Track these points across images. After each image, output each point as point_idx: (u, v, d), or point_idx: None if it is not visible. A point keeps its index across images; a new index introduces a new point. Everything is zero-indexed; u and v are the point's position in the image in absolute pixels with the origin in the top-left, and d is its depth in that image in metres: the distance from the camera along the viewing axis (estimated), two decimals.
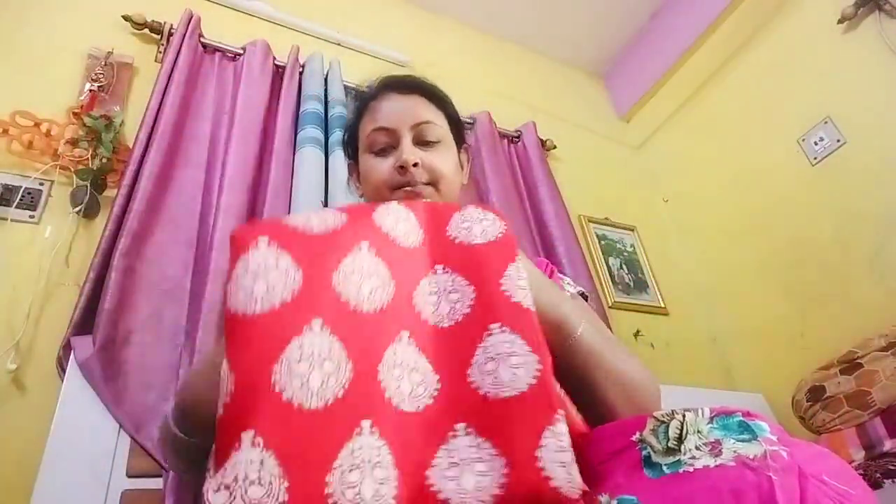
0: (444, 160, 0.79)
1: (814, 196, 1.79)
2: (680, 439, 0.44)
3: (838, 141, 1.75)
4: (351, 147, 0.88)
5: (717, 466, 0.41)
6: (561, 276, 0.83)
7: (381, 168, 0.77)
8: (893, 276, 1.56)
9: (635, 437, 0.47)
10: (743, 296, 1.96)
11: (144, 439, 0.96)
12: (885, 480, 1.29)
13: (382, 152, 0.79)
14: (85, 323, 1.03)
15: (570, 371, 0.56)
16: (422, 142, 0.79)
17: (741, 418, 0.44)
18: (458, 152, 0.85)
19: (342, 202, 1.31)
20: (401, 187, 0.75)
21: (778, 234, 1.87)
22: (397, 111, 0.80)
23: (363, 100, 0.86)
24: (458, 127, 0.87)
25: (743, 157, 2.03)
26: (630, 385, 0.58)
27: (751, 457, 0.40)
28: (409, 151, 0.76)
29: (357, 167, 0.86)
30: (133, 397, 0.99)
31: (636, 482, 0.44)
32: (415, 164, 0.75)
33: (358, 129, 0.85)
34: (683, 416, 0.46)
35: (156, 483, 0.96)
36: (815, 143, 1.80)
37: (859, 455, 1.34)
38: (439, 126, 0.82)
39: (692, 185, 2.22)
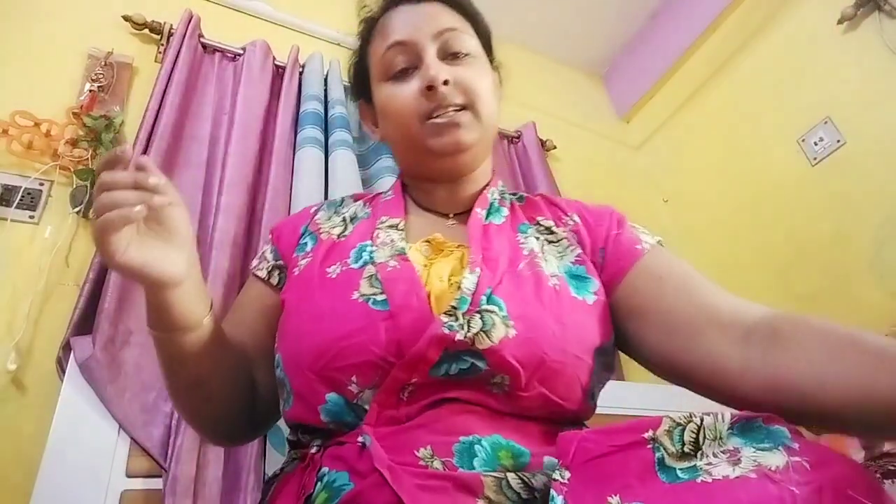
0: (479, 76, 0.65)
1: (814, 196, 1.78)
2: (697, 444, 0.42)
3: (838, 141, 1.74)
4: (361, 86, 0.73)
5: (737, 478, 0.38)
6: (634, 225, 0.70)
7: (403, 95, 0.63)
8: (893, 276, 1.56)
9: (647, 435, 0.44)
10: (743, 296, 1.91)
11: (144, 439, 0.96)
12: (885, 480, 1.29)
13: (402, 76, 0.64)
14: (85, 323, 1.03)
15: None
16: (449, 54, 0.64)
17: (761, 424, 0.42)
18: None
19: None
20: (432, 115, 0.61)
21: (777, 234, 1.86)
22: (414, 20, 0.65)
23: (368, 22, 0.72)
24: (489, 41, 0.73)
25: (743, 157, 2.03)
26: None
27: (772, 468, 0.38)
28: (435, 66, 0.61)
29: (370, 107, 0.72)
30: (133, 397, 0.99)
31: (651, 488, 0.40)
32: (445, 83, 0.60)
33: (367, 57, 0.71)
34: (702, 419, 0.43)
35: (156, 483, 0.96)
36: (815, 144, 1.80)
37: (859, 455, 1.34)
38: (468, 35, 0.67)
39: (692, 185, 2.22)
